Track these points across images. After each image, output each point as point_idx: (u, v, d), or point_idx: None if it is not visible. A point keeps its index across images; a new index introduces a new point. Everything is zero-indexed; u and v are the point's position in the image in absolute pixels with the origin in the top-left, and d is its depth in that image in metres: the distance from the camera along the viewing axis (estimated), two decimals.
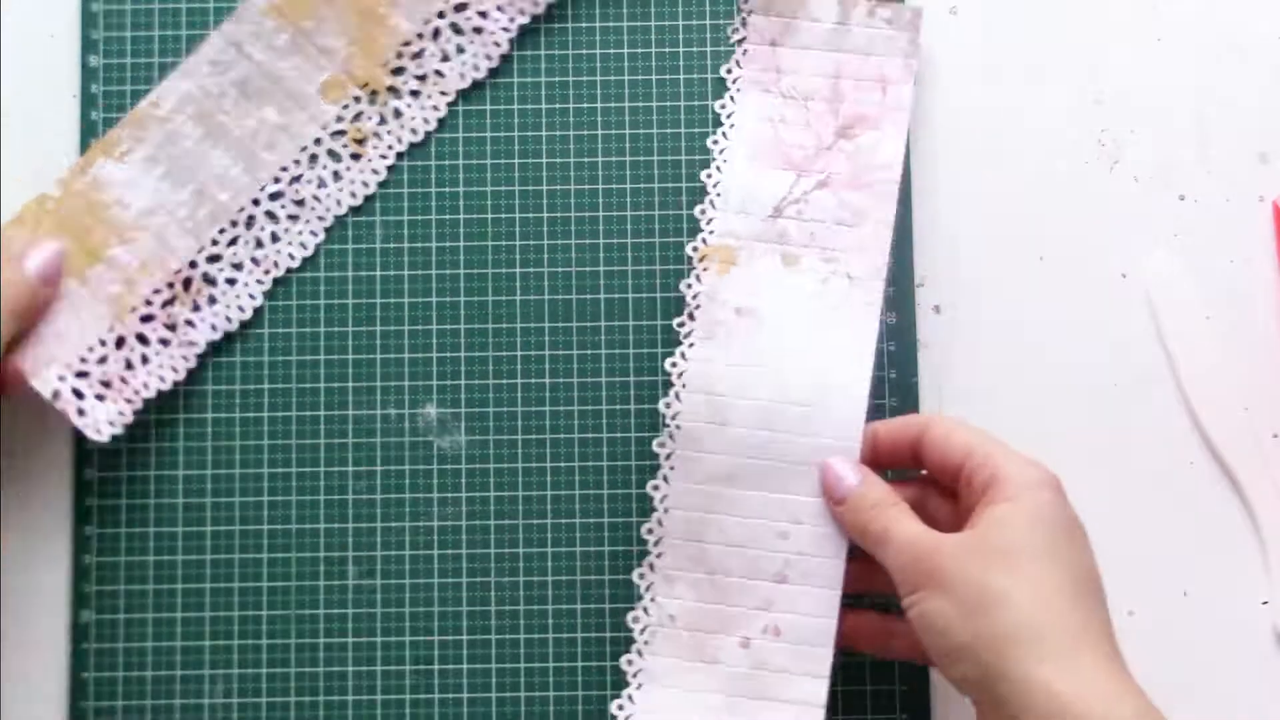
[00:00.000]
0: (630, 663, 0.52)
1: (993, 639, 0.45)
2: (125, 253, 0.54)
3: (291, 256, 0.55)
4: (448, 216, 0.56)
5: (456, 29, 0.56)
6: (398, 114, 0.56)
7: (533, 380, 0.55)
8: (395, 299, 0.55)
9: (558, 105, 0.56)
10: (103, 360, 0.53)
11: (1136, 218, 0.57)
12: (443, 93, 0.56)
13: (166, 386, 0.54)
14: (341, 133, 0.56)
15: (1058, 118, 0.57)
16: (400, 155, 0.56)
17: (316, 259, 0.55)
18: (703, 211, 0.55)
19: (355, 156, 0.56)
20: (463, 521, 0.54)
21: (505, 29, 0.56)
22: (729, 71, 0.56)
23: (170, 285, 0.54)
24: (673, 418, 0.53)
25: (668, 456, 0.53)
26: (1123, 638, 0.53)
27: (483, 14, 0.56)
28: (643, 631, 0.52)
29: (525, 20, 0.56)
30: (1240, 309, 0.56)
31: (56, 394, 0.51)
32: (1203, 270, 0.56)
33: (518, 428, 0.55)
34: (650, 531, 0.53)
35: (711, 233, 0.55)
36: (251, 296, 0.55)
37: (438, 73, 0.56)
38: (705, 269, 0.54)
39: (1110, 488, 0.55)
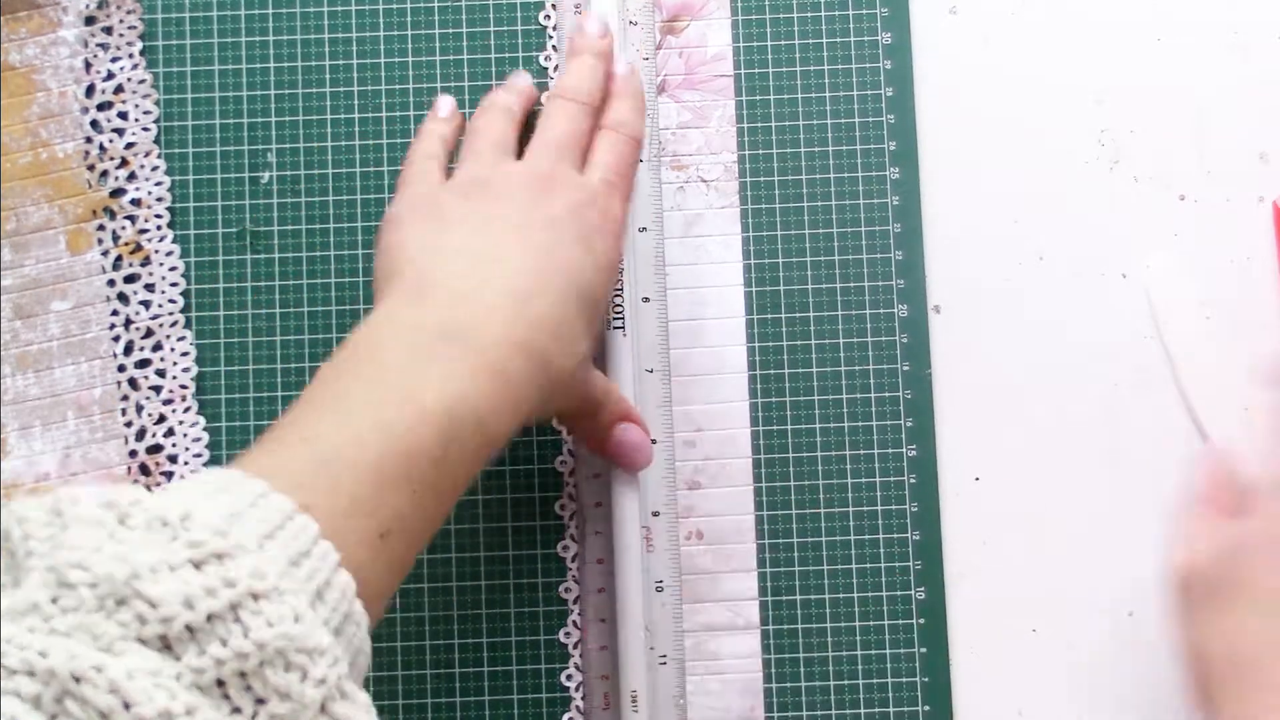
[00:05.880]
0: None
1: None
2: None
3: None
4: None
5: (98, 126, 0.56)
6: (136, 203, 0.56)
7: None
8: None
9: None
10: None
11: (1136, 218, 0.57)
12: (144, 128, 0.56)
13: None
14: (119, 259, 0.55)
15: (1058, 118, 0.57)
16: (171, 223, 0.56)
17: (318, 268, 0.56)
18: None
19: (145, 262, 0.55)
20: (480, 525, 0.55)
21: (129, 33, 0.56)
22: None
23: None
24: None
25: None
26: (1123, 638, 0.55)
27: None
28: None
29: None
30: (1240, 309, 0.56)
31: None
32: (1203, 270, 0.56)
33: (531, 429, 0.55)
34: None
35: None
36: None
37: (129, 144, 0.56)
38: None
39: (1110, 487, 0.55)
